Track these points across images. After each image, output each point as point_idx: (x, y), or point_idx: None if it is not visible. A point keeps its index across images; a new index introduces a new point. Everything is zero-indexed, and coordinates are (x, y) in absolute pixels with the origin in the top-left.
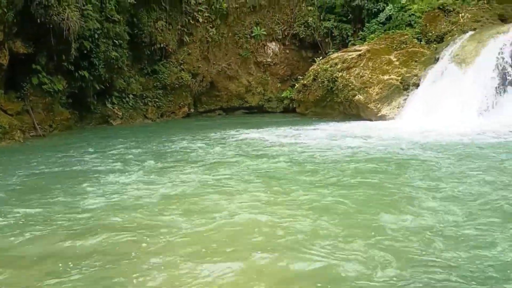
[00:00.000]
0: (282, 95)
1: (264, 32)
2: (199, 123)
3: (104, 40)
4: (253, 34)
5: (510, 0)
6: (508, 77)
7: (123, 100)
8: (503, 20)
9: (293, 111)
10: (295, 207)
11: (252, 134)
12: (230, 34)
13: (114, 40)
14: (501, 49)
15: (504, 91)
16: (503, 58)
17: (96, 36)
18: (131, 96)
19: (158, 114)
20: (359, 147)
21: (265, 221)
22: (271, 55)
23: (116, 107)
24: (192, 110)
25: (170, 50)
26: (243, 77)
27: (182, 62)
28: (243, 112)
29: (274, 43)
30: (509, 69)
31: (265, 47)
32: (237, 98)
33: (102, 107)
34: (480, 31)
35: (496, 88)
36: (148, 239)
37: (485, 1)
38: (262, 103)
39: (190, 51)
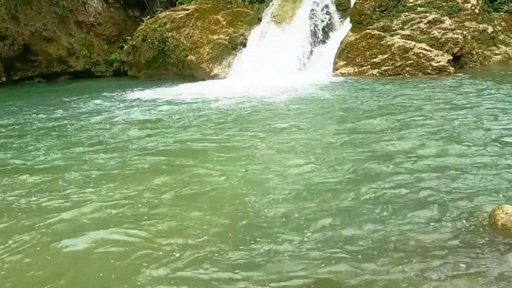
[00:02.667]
0: (111, 58)
1: None
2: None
3: None
4: None
5: None
6: (319, 36)
7: None
8: None
9: (125, 74)
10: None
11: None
12: None
13: None
14: (313, 9)
15: (317, 46)
16: (315, 18)
17: None
18: None
19: None
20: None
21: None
22: (93, 14)
23: None
24: (4, 79)
25: None
26: (63, 39)
27: None
28: (68, 78)
29: (96, 1)
30: (319, 28)
31: (86, 5)
32: (58, 63)
33: None
34: None
35: (311, 44)
36: None
37: None
38: (89, 67)
39: None
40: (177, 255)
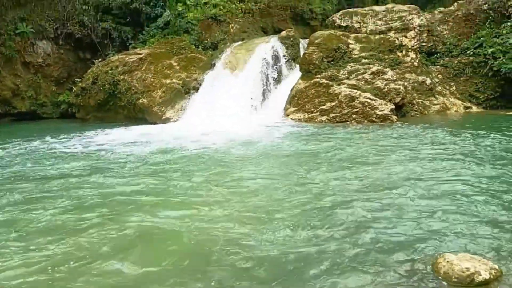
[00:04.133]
0: (59, 99)
1: (32, 30)
2: None
3: None
4: (17, 31)
5: (269, 15)
6: (270, 82)
7: None
8: (265, 32)
9: (73, 116)
10: None
11: None
12: None
13: None
14: (264, 57)
15: (269, 93)
16: (266, 65)
17: None
18: None
19: None
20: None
21: None
22: (42, 55)
23: None
24: None
25: None
26: (8, 79)
27: None
28: (11, 119)
29: (45, 42)
30: (271, 75)
31: (35, 46)
32: (2, 104)
33: None
34: (247, 41)
35: (262, 91)
36: None
37: (250, 15)
38: (34, 108)
39: None
40: None
